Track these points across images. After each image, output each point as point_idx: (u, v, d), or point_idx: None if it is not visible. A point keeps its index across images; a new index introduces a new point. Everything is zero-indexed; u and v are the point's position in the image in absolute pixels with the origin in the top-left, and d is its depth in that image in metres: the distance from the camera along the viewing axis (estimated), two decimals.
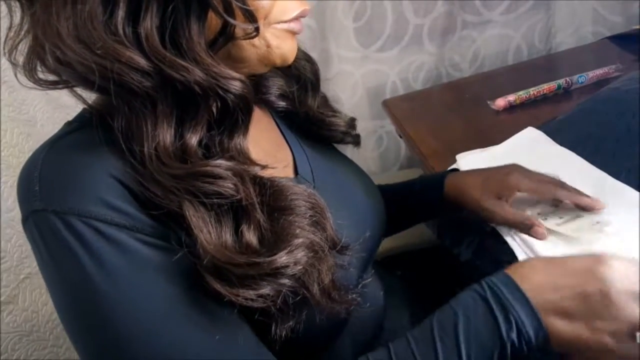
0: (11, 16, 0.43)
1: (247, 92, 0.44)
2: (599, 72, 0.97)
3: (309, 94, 0.65)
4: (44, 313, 0.92)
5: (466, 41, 1.22)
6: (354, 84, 1.20)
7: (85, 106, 0.47)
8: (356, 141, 0.72)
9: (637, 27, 1.11)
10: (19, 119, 0.87)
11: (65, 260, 0.42)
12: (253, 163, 0.46)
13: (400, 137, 1.03)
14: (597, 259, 0.45)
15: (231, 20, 0.42)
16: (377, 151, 1.34)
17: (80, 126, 0.47)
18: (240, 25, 0.43)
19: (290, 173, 0.59)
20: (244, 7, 0.43)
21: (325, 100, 0.69)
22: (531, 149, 0.79)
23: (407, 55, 1.21)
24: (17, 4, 0.43)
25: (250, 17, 0.43)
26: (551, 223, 0.64)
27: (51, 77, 0.45)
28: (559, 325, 0.44)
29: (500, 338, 0.44)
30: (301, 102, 0.65)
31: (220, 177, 0.43)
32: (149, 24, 0.40)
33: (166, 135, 0.42)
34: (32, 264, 0.89)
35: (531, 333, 0.44)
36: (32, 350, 0.91)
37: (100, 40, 0.39)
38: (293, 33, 0.49)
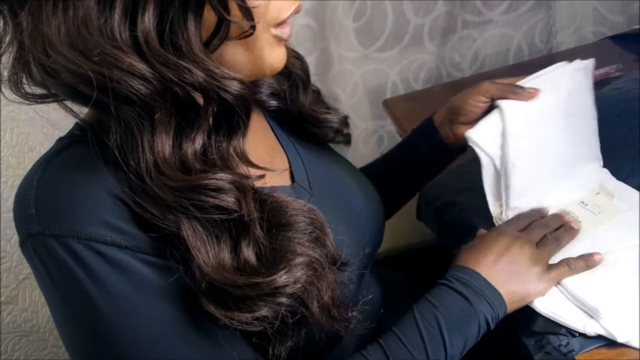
0: None
1: (246, 92, 0.43)
2: (599, 71, 0.97)
3: (300, 91, 0.65)
4: (44, 313, 0.92)
5: (467, 41, 1.21)
6: (354, 84, 1.20)
7: (77, 121, 0.46)
8: (347, 140, 0.71)
9: (638, 26, 1.11)
10: (19, 119, 0.87)
11: (66, 284, 0.41)
12: (253, 166, 0.45)
13: (401, 137, 1.03)
14: (497, 229, 0.61)
15: (227, 16, 0.41)
16: (378, 151, 1.34)
17: (71, 142, 0.45)
18: (237, 22, 0.42)
19: (286, 180, 0.58)
20: (242, 3, 0.41)
21: (317, 96, 0.68)
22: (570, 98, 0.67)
23: (407, 55, 1.20)
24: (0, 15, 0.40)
25: (248, 14, 0.42)
26: None
27: (39, 91, 0.43)
28: (511, 288, 0.55)
29: (477, 315, 0.52)
30: (293, 100, 0.64)
31: (223, 191, 0.42)
32: (148, 25, 0.38)
33: (165, 145, 0.40)
34: None
35: (497, 305, 0.53)
36: (32, 350, 0.91)
37: (98, 47, 0.37)
38: (283, 40, 0.48)
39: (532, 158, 0.66)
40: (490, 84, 0.67)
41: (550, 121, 0.66)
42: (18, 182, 0.82)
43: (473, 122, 0.67)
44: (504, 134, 0.64)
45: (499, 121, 0.64)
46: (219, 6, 0.40)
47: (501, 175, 0.65)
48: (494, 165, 0.65)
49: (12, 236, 0.86)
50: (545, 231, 0.61)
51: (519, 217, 0.63)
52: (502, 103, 0.65)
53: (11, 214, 0.84)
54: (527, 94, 0.64)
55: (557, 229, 0.62)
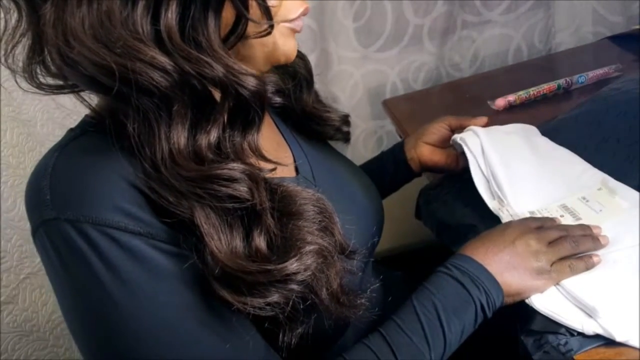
0: (6, 19, 0.42)
1: (262, 89, 0.44)
2: (599, 72, 0.97)
3: (304, 90, 0.67)
4: (44, 313, 0.92)
5: (466, 41, 1.22)
6: (354, 84, 1.20)
7: (89, 111, 0.46)
8: (346, 138, 0.73)
9: (637, 27, 1.11)
10: (19, 119, 0.87)
11: (79, 270, 0.41)
12: (266, 160, 0.46)
13: (401, 137, 1.03)
14: (506, 223, 0.61)
15: (246, 14, 0.42)
16: (377, 151, 1.34)
17: (83, 132, 0.46)
18: (255, 21, 0.44)
19: (291, 172, 0.59)
20: (263, 4, 0.43)
21: (317, 97, 0.70)
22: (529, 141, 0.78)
23: (407, 55, 1.20)
24: (14, 5, 0.41)
25: (268, 14, 0.44)
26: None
27: (54, 82, 0.44)
28: (508, 279, 0.55)
29: (473, 301, 0.53)
30: (297, 98, 0.66)
31: (236, 181, 0.42)
32: (170, 20, 0.40)
33: (180, 136, 0.41)
34: (32, 264, 0.89)
35: (494, 293, 0.54)
36: (32, 350, 0.91)
37: (121, 39, 0.38)
38: (295, 31, 0.50)
39: (512, 164, 0.71)
40: (451, 117, 0.83)
41: (515, 140, 0.76)
42: (18, 182, 0.83)
43: (433, 144, 0.81)
44: (482, 147, 0.73)
45: (476, 137, 0.74)
46: (240, 4, 0.42)
47: (489, 177, 0.70)
48: (480, 165, 0.72)
49: (12, 236, 0.86)
50: (563, 234, 0.59)
51: (537, 218, 0.62)
52: (472, 128, 0.77)
53: (11, 214, 0.84)
54: (479, 121, 0.79)
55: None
